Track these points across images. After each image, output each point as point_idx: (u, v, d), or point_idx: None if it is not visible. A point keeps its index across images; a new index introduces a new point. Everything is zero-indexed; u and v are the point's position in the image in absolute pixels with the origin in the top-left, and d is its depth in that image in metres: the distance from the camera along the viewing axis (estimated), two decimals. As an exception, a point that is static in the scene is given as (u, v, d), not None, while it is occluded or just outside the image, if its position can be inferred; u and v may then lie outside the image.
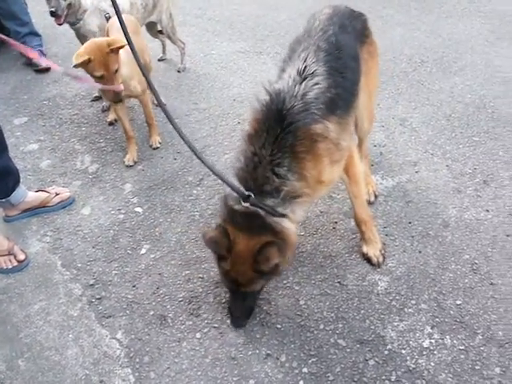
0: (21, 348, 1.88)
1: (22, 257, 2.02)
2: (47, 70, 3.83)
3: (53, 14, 2.93)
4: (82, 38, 3.14)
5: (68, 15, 3.02)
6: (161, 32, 3.81)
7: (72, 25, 3.10)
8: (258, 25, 4.65)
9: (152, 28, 3.78)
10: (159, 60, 4.03)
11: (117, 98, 2.50)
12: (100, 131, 3.14)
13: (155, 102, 2.92)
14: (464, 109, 3.25)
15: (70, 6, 2.98)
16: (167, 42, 3.87)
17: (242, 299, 1.82)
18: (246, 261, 1.63)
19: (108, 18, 3.12)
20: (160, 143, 3.00)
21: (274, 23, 4.66)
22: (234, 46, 4.25)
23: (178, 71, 3.88)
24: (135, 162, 2.84)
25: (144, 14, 3.38)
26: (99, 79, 2.40)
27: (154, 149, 2.97)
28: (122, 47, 2.35)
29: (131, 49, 2.04)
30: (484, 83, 3.50)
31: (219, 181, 2.66)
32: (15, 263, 2.00)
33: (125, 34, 2.03)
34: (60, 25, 3.04)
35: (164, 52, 4.07)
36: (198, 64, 4.01)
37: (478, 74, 3.61)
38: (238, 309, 1.86)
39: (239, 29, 4.59)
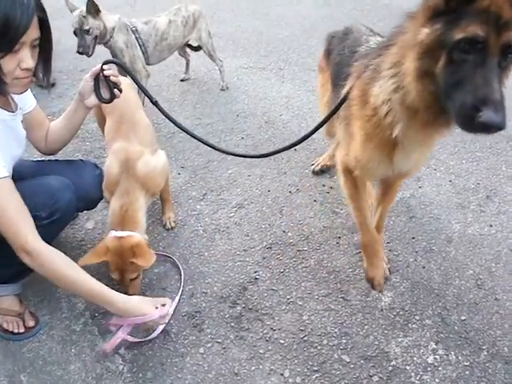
0: (23, 363, 1.87)
1: (31, 323, 2.00)
2: (52, 85, 3.88)
3: (80, 52, 3.06)
4: (113, 55, 3.22)
5: (97, 44, 3.12)
6: (191, 47, 3.84)
7: (104, 43, 3.18)
8: (261, 41, 4.71)
9: (182, 46, 3.80)
10: (181, 80, 4.06)
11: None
12: (104, 146, 3.14)
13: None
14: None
15: (96, 37, 3.07)
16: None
17: None
18: None
19: (134, 32, 3.18)
20: (175, 222, 2.51)
21: (277, 39, 4.72)
22: (237, 62, 4.30)
23: (222, 89, 3.88)
24: None
25: (184, 31, 3.45)
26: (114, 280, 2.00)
27: (168, 229, 2.47)
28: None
29: (132, 77, 2.06)
30: (486, 99, 3.52)
31: (222, 196, 2.69)
32: (22, 329, 1.98)
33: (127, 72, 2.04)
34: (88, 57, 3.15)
35: (187, 72, 4.08)
36: (201, 79, 4.05)
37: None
38: None
39: (242, 45, 4.65)
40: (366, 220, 1.99)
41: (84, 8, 2.96)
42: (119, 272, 1.93)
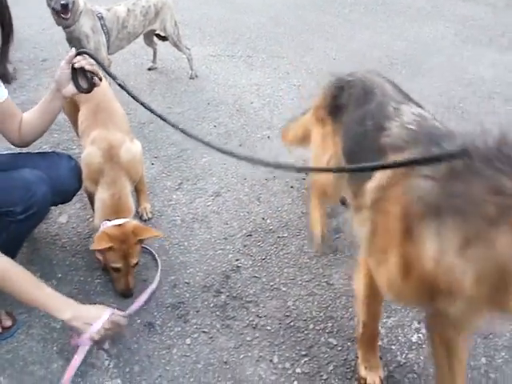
0: (2, 364, 1.79)
1: (8, 323, 1.91)
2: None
3: (64, 6, 2.87)
4: (75, 40, 3.09)
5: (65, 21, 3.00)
6: (159, 37, 3.78)
7: (66, 27, 3.06)
8: (228, 29, 4.67)
9: (149, 36, 3.75)
10: (149, 69, 3.99)
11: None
12: (72, 138, 3.06)
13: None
14: (434, 109, 3.30)
15: (74, 3, 2.96)
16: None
17: None
18: None
19: (100, 18, 3.09)
20: (151, 213, 2.45)
21: (244, 27, 4.68)
22: (205, 50, 4.25)
23: (191, 78, 3.83)
24: None
25: (144, 21, 3.38)
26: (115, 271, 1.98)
27: (145, 220, 2.41)
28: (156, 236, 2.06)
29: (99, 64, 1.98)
30: (451, 84, 3.61)
31: (198, 185, 2.66)
32: None
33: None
34: (66, 19, 2.97)
35: (154, 61, 4.02)
36: (169, 68, 3.98)
37: (446, 76, 3.72)
38: None
39: (209, 33, 4.59)
40: (376, 323, 1.62)
41: None
42: (123, 258, 1.93)
